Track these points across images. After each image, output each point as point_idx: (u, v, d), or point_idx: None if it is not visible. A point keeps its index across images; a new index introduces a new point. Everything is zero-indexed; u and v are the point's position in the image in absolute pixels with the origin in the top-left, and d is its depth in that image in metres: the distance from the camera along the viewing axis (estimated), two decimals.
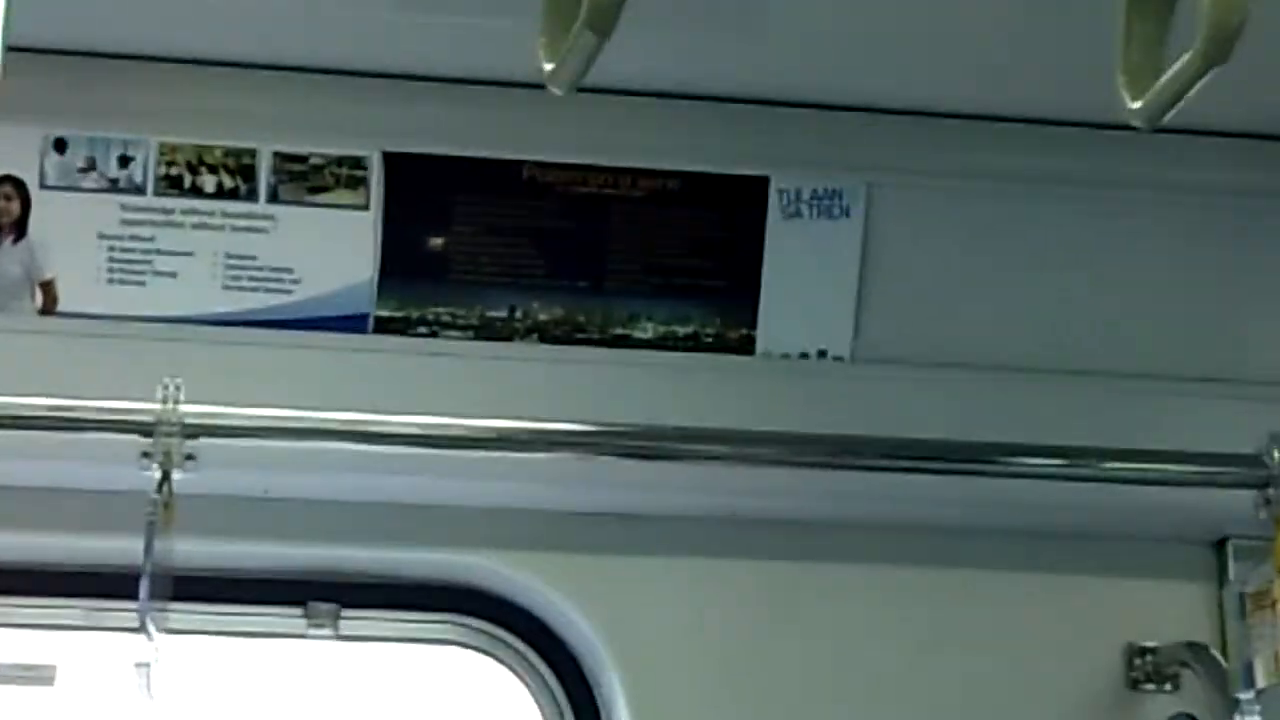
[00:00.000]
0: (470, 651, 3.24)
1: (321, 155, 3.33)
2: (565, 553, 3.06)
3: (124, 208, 3.13)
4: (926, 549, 3.03)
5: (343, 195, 3.34)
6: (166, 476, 2.47)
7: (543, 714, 3.24)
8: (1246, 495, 2.62)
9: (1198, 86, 1.21)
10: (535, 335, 3.33)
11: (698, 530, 3.04)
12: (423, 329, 3.32)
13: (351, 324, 3.29)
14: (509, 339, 3.31)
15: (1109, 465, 2.74)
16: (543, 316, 3.32)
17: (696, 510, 3.04)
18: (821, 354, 3.20)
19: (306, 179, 3.31)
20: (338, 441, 2.66)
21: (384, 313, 3.33)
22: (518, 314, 3.36)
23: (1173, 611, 3.05)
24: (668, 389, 2.96)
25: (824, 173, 3.12)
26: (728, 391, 2.94)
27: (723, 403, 2.89)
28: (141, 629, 2.41)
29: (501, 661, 3.24)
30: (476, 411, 2.74)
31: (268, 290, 3.15)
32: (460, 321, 3.34)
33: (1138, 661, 3.05)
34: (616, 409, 2.81)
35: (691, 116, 3.00)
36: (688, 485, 2.90)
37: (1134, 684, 3.05)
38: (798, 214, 3.15)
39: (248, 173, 3.20)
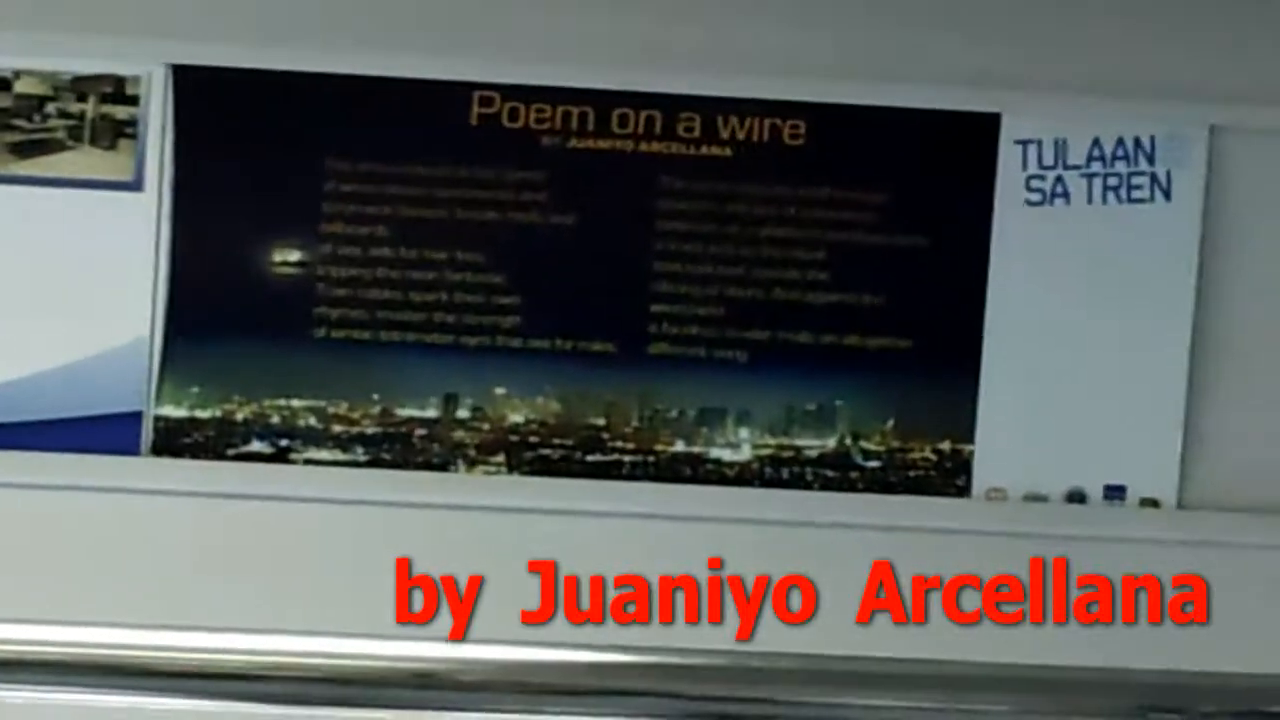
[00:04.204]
0: None
1: (40, 73, 1.64)
2: None
3: None
4: None
5: (85, 159, 1.63)
6: None
7: None
8: None
9: None
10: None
11: None
12: (258, 445, 1.66)
13: (112, 437, 1.64)
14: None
15: None
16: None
17: None
18: None
19: (13, 125, 1.65)
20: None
21: (171, 412, 1.63)
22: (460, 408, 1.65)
23: None
24: None
25: None
26: None
27: None
28: None
29: None
30: None
31: None
32: (338, 430, 1.64)
33: None
34: None
35: None
36: None
37: None
38: None
39: None
